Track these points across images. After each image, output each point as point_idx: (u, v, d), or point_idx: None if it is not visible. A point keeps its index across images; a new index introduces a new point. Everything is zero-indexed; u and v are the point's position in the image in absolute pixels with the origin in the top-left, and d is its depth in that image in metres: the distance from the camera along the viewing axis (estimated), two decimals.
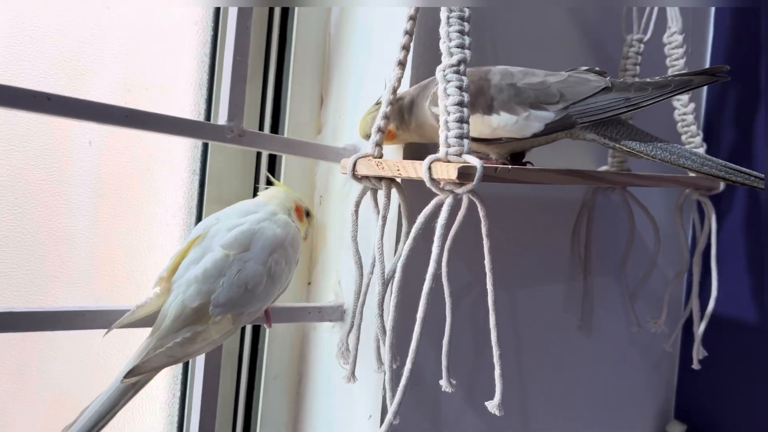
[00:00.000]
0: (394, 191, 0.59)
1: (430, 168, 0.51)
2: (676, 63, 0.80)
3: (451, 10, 0.55)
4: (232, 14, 0.62)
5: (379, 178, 0.58)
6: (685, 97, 0.80)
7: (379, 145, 0.60)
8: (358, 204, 0.60)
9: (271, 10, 0.75)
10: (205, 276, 0.56)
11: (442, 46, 0.54)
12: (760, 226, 0.96)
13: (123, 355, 0.65)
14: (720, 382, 0.98)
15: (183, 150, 0.72)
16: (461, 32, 0.54)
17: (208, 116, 0.72)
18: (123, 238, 0.69)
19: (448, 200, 0.51)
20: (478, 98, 0.59)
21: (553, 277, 0.86)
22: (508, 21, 0.77)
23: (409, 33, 0.60)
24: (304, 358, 0.74)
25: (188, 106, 0.72)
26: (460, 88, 0.53)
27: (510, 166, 0.53)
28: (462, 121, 0.52)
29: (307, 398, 0.73)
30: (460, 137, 0.52)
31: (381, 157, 0.60)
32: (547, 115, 0.58)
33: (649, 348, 0.98)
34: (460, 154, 0.51)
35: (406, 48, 0.60)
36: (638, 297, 0.92)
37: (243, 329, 0.75)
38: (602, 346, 0.92)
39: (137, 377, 0.52)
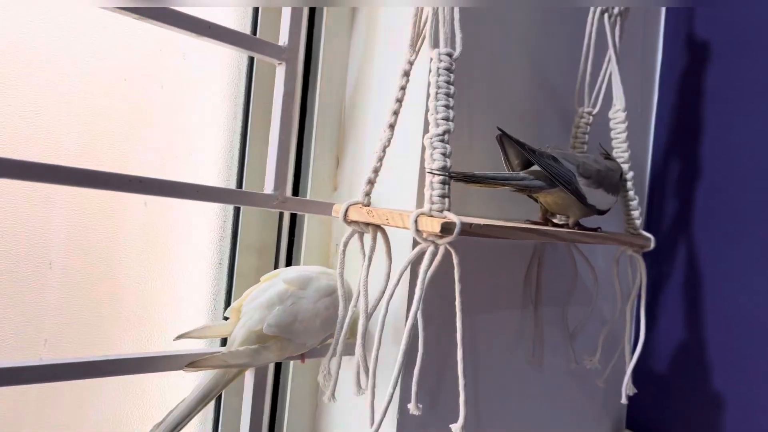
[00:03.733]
0: (379, 235, 0.68)
1: (416, 221, 0.60)
2: (618, 136, 0.92)
3: (438, 87, 0.64)
4: (277, 99, 0.73)
5: (367, 224, 0.67)
6: (625, 166, 0.92)
7: (368, 194, 0.69)
8: (345, 244, 0.69)
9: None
10: (269, 303, 0.68)
11: (430, 117, 0.64)
12: (685, 279, 1.10)
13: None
14: (662, 398, 1.11)
15: (215, 207, 0.81)
16: (446, 107, 0.64)
17: (240, 179, 0.82)
18: (168, 286, 0.77)
19: (431, 249, 0.61)
20: (606, 180, 0.79)
21: (509, 314, 0.96)
22: (479, 92, 0.88)
23: (399, 100, 0.69)
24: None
25: (222, 170, 0.82)
26: (444, 154, 0.62)
27: (482, 223, 0.63)
28: (445, 183, 0.62)
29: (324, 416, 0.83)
30: (442, 197, 0.61)
31: (369, 205, 0.69)
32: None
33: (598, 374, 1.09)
34: (441, 211, 0.61)
35: (396, 113, 0.69)
36: (576, 337, 1.04)
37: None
38: (550, 374, 1.02)
39: (195, 369, 0.64)
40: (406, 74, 0.69)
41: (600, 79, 0.96)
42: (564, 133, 0.99)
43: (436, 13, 0.66)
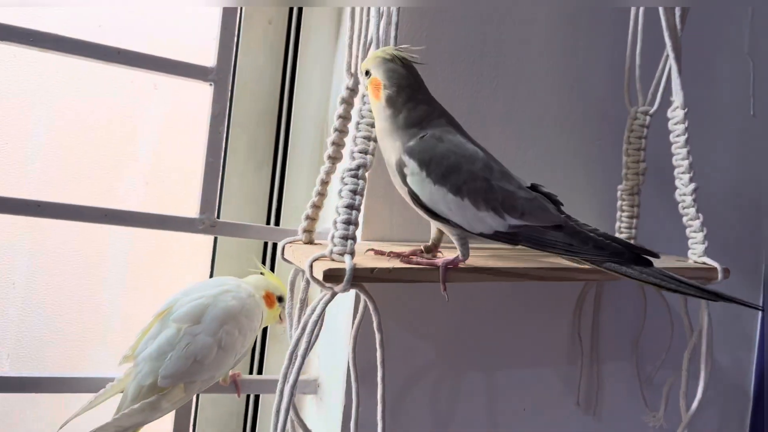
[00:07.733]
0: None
1: (311, 266, 0.55)
2: (677, 140, 0.75)
3: (362, 115, 0.59)
4: (207, 121, 0.71)
5: None
6: (685, 177, 0.74)
7: (307, 231, 0.65)
8: (292, 284, 0.66)
9: (281, 109, 0.83)
10: (158, 353, 0.62)
11: (347, 149, 0.58)
12: None
13: None
14: None
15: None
16: (367, 138, 0.58)
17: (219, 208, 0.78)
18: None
19: (325, 297, 0.55)
20: (452, 174, 0.56)
21: (552, 359, 0.83)
22: (512, 84, 0.79)
23: (338, 130, 0.63)
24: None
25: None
26: (354, 192, 0.56)
27: (390, 267, 0.55)
28: (349, 223, 0.56)
29: None
30: (345, 238, 0.55)
31: (311, 242, 0.65)
32: (502, 224, 0.57)
33: None
34: (342, 254, 0.55)
35: (336, 144, 0.64)
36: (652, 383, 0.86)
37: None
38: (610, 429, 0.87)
39: None
40: (345, 101, 0.64)
41: (659, 71, 0.79)
42: (616, 139, 0.83)
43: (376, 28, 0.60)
